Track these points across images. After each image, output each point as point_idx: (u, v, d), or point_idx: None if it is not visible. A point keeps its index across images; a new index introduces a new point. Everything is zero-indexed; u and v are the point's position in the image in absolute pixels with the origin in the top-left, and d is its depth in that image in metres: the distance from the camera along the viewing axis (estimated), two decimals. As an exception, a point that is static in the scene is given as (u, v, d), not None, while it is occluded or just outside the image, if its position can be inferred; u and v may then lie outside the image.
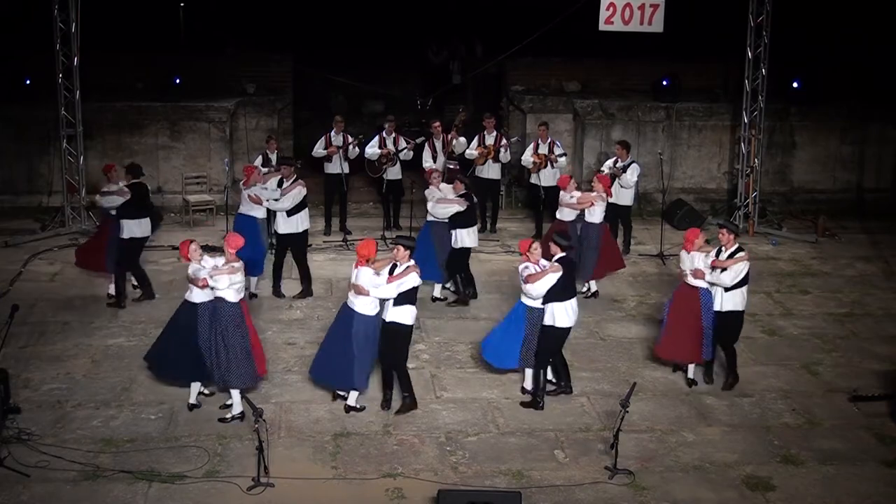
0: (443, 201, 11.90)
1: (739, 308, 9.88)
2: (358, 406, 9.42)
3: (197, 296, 9.20)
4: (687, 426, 9.33)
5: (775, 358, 10.94)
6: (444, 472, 8.42)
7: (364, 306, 9.24)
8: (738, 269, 9.72)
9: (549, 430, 9.19)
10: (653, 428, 9.27)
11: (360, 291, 9.17)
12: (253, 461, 8.17)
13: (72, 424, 9.03)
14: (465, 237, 11.91)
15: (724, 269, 9.73)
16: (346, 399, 9.48)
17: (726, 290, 9.76)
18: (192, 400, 9.40)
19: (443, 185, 12.10)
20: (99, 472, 8.21)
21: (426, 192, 12.19)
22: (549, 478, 8.37)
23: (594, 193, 12.14)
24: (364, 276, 9.18)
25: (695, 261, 9.86)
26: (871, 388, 10.05)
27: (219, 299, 9.09)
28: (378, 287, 9.19)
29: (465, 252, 12.06)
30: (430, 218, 12.10)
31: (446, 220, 11.89)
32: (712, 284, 9.80)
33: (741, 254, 9.79)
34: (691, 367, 10.15)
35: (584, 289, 12.33)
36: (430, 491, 7.96)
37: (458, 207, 11.80)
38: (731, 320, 9.91)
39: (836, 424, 9.44)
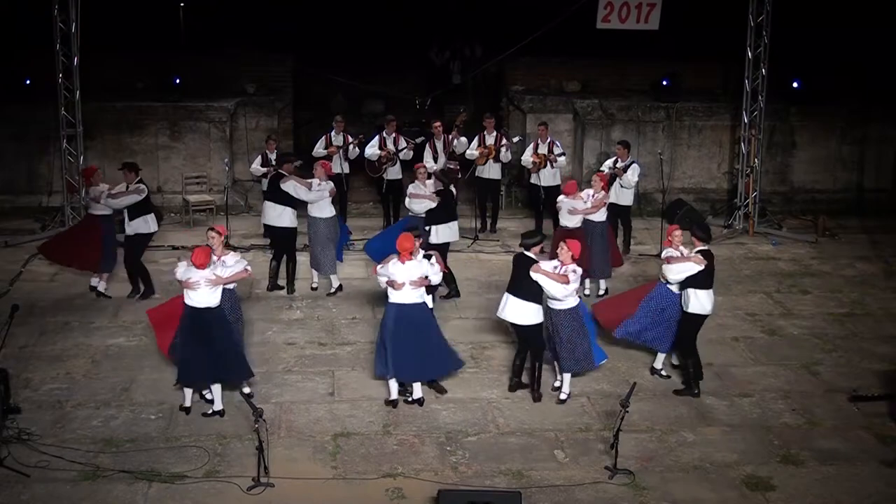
0: (416, 196, 11.98)
1: (698, 311, 9.76)
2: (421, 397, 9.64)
3: (213, 299, 9.08)
4: (687, 426, 9.33)
5: (775, 358, 10.93)
6: (444, 472, 8.42)
7: (418, 296, 9.45)
8: (684, 267, 9.68)
9: (549, 430, 9.19)
10: (653, 428, 9.26)
11: (422, 283, 9.41)
12: (253, 461, 8.18)
13: (72, 424, 9.04)
14: (442, 233, 11.95)
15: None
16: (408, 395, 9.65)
17: (683, 288, 9.78)
18: (187, 403, 9.37)
19: (428, 182, 12.17)
20: (99, 472, 8.21)
21: (410, 186, 12.27)
22: (549, 478, 8.37)
23: (601, 194, 12.14)
24: (423, 267, 9.43)
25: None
26: (871, 388, 10.05)
27: (228, 292, 9.31)
28: (433, 275, 9.54)
29: (444, 247, 11.98)
30: (410, 213, 12.23)
31: (423, 216, 11.97)
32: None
33: (694, 255, 9.73)
34: (659, 357, 10.23)
35: (587, 291, 12.31)
36: (430, 491, 7.97)
37: (430, 203, 11.90)
38: (686, 322, 9.86)
39: (836, 424, 9.44)
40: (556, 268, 9.48)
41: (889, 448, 9.00)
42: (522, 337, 9.78)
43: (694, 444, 8.99)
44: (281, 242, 12.50)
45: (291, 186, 12.07)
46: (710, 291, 9.80)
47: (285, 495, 8.02)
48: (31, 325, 11.11)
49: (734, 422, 9.45)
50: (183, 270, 9.02)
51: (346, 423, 9.19)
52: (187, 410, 9.27)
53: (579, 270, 9.59)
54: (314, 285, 12.52)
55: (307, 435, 8.98)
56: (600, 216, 12.12)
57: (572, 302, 9.59)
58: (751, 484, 8.35)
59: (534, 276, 9.41)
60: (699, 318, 9.83)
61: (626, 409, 8.42)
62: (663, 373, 10.25)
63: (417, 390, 9.59)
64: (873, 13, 15.82)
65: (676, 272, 9.74)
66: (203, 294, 8.96)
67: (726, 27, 15.59)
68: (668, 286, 9.94)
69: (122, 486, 8.04)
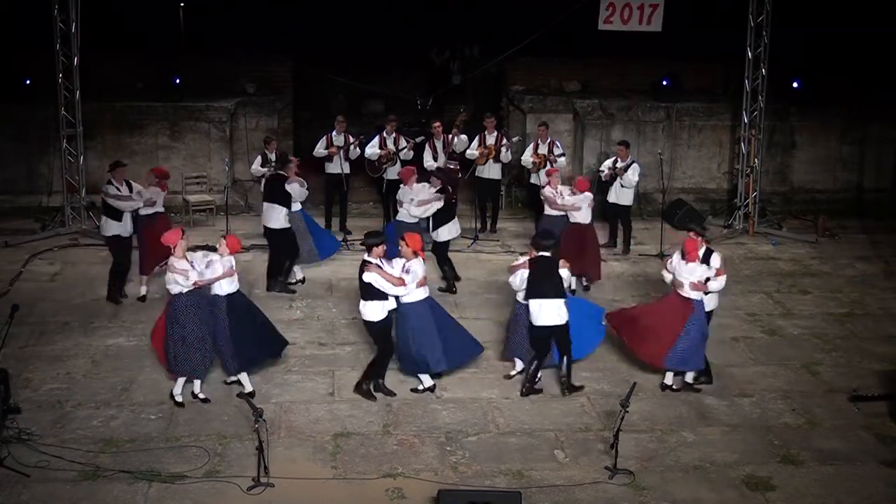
0: (422, 203, 12.08)
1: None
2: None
3: (225, 287, 9.45)
4: (687, 426, 9.33)
5: (775, 358, 10.93)
6: (444, 472, 8.42)
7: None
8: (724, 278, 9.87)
9: (549, 430, 9.19)
10: (653, 428, 9.27)
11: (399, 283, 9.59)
12: (253, 461, 8.18)
13: (72, 424, 9.04)
14: (444, 232, 12.24)
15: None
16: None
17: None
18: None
19: (415, 186, 12.27)
20: (99, 472, 8.21)
21: (399, 193, 12.39)
22: (549, 478, 8.38)
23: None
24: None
25: (695, 273, 9.73)
26: (871, 388, 10.05)
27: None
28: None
29: (446, 245, 12.34)
30: (399, 217, 12.36)
31: (417, 220, 12.12)
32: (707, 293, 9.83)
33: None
34: (669, 374, 10.01)
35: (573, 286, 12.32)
36: (430, 491, 7.97)
37: (437, 205, 12.06)
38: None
39: (836, 424, 9.45)
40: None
41: (889, 448, 9.00)
42: (538, 339, 9.76)
43: (694, 444, 8.99)
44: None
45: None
46: None
47: (285, 495, 8.02)
48: (31, 325, 11.11)
49: (734, 422, 9.45)
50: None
51: (346, 423, 9.19)
52: (252, 394, 9.40)
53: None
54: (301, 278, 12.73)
55: (307, 435, 8.98)
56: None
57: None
58: (751, 484, 8.35)
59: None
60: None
61: (626, 409, 8.43)
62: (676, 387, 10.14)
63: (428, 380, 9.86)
64: (873, 13, 15.82)
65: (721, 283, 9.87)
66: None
67: (726, 27, 15.60)
68: (702, 303, 9.79)
69: (122, 486, 8.04)
